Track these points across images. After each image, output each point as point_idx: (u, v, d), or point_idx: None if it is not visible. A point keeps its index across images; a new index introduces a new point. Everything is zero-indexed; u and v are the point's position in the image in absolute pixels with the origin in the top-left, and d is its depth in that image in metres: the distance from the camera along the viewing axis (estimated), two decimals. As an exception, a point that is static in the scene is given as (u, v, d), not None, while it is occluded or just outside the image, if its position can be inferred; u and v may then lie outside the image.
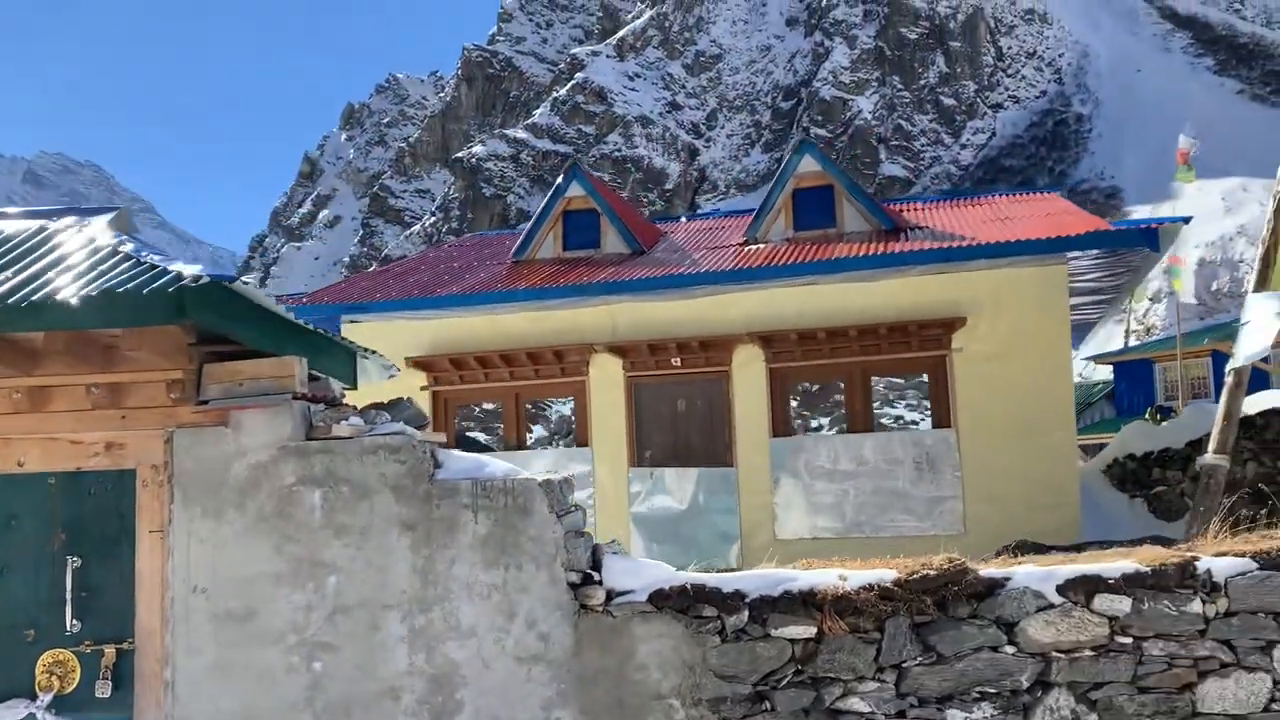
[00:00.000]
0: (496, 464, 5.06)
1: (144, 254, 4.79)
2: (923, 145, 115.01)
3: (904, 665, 4.79)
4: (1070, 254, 11.42)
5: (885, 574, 4.91)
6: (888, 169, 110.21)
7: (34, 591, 5.19)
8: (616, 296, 12.34)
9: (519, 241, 14.74)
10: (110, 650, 5.12)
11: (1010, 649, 4.77)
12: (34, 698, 5.08)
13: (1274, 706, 4.66)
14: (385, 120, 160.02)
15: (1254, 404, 11.47)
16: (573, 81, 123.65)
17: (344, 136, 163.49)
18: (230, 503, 5.05)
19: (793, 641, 4.84)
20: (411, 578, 4.94)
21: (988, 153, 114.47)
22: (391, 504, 4.96)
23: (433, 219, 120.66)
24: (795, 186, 13.63)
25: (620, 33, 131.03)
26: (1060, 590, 4.79)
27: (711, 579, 4.98)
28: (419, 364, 12.97)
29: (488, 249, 16.52)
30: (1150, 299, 54.67)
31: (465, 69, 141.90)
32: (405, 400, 5.46)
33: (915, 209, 14.87)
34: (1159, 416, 21.25)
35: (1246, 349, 8.29)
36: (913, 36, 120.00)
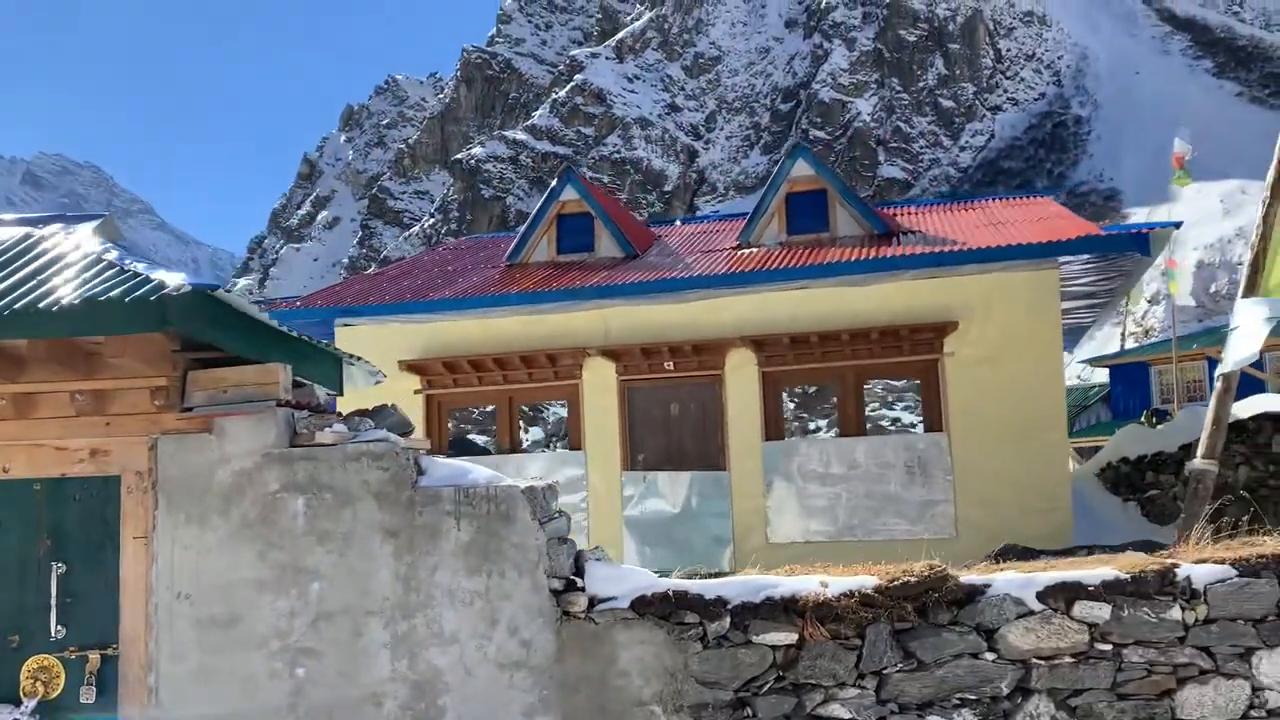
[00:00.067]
0: (479, 471, 5.08)
1: (128, 261, 4.81)
2: (921, 147, 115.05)
3: (885, 672, 4.81)
4: (1063, 258, 11.44)
5: (866, 580, 4.92)
6: (886, 171, 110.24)
7: (19, 597, 5.21)
8: (609, 300, 12.37)
9: (513, 245, 14.76)
10: (95, 656, 5.14)
11: (990, 656, 4.80)
12: (19, 703, 5.10)
13: (1252, 713, 4.69)
14: (384, 122, 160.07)
15: (1246, 408, 11.49)
16: (572, 83, 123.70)
17: (343, 138, 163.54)
18: (214, 509, 5.07)
19: (774, 648, 4.86)
20: (394, 584, 4.96)
21: (986, 155, 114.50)
22: (374, 511, 4.98)
23: (432, 220, 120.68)
24: (788, 191, 13.66)
25: (619, 34, 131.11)
26: (1040, 597, 4.81)
27: (693, 585, 5.00)
28: (412, 367, 12.99)
29: (483, 252, 16.54)
30: (1149, 301, 54.72)
31: (464, 70, 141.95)
32: (389, 407, 5.47)
33: (909, 213, 14.89)
34: (1154, 420, 21.26)
35: (1235, 355, 8.30)
36: (911, 39, 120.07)
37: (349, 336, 13.18)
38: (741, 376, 12.22)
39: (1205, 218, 77.86)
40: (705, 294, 12.21)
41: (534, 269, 14.01)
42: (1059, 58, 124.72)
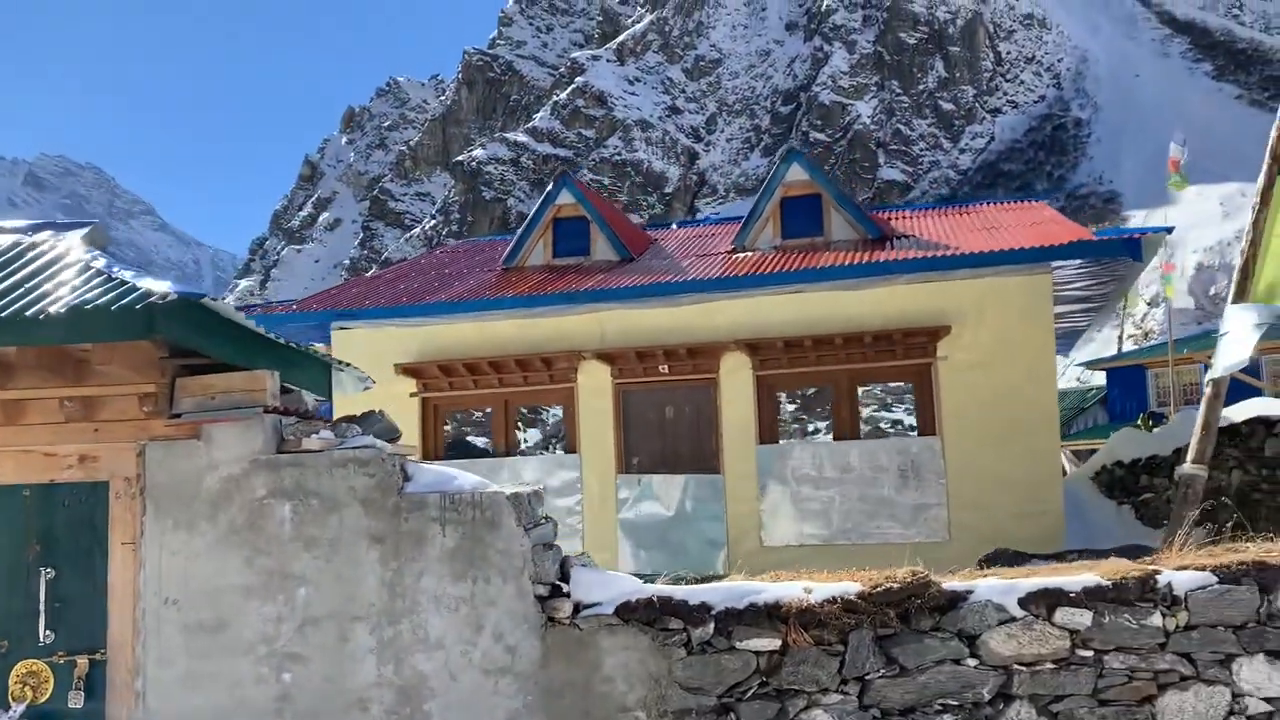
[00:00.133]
0: (465, 477, 5.11)
1: (116, 269, 4.84)
2: (921, 150, 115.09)
3: (867, 677, 4.84)
4: (1056, 263, 11.47)
5: (849, 587, 4.95)
6: (886, 173, 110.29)
7: (8, 602, 5.24)
8: (605, 304, 12.40)
9: (509, 248, 14.80)
10: (83, 661, 5.17)
11: (972, 661, 4.82)
12: (7, 708, 5.13)
13: (1232, 719, 4.71)
14: (386, 123, 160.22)
15: (1240, 412, 11.51)
16: (573, 85, 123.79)
17: (344, 139, 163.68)
18: (202, 515, 5.11)
19: (758, 654, 4.89)
20: (380, 590, 4.99)
21: (986, 157, 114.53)
22: (360, 517, 5.02)
23: (433, 222, 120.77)
24: (783, 195, 13.69)
25: (620, 37, 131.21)
26: (1022, 603, 4.84)
27: (678, 592, 5.03)
28: (408, 370, 13.02)
29: (479, 255, 16.58)
30: (1149, 303, 54.75)
31: (466, 73, 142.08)
32: (377, 413, 5.50)
33: (904, 217, 14.93)
34: (1151, 423, 21.28)
35: (1225, 360, 8.32)
36: (912, 41, 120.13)
37: (345, 340, 13.24)
38: (736, 380, 12.25)
39: (1205, 220, 77.88)
40: (700, 298, 12.25)
41: (530, 272, 14.05)
42: (1059, 60, 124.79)
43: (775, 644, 4.87)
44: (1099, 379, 35.33)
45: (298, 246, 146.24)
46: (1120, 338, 39.73)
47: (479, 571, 4.95)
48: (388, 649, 4.97)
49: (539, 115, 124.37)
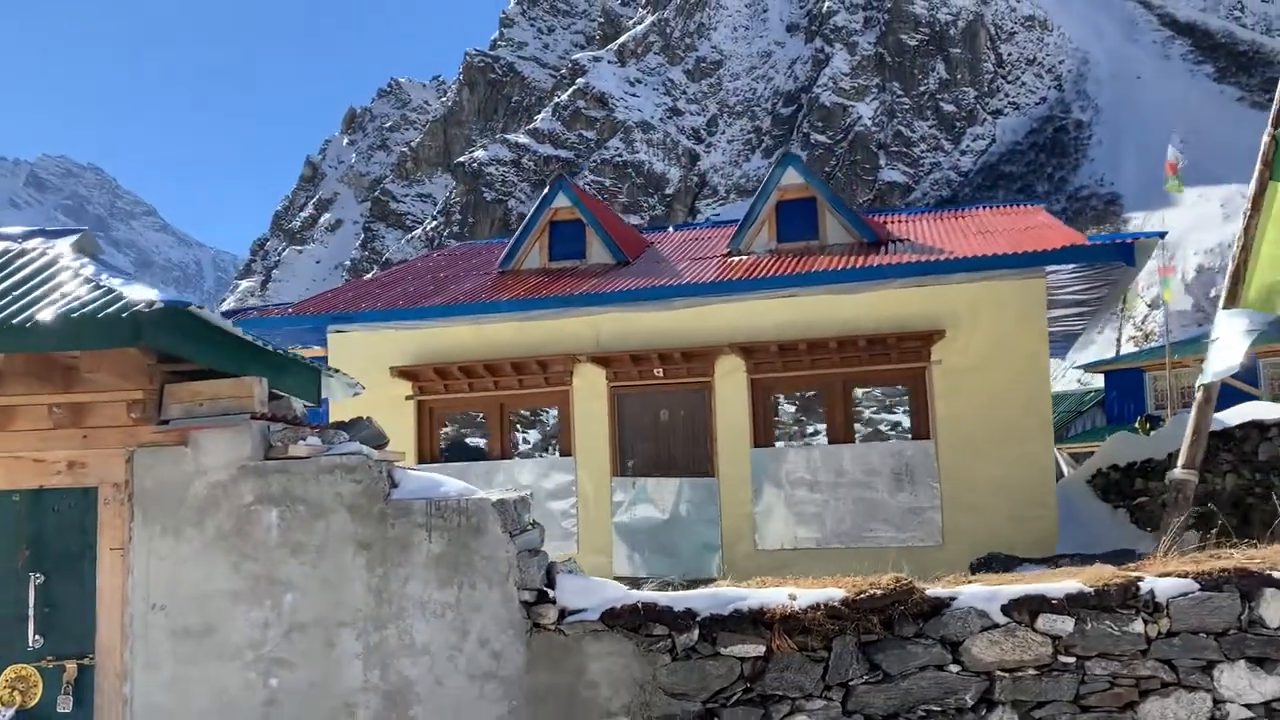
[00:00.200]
0: (452, 483, 5.14)
1: (104, 277, 4.87)
2: (922, 151, 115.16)
3: (850, 684, 4.86)
4: (1050, 267, 11.49)
5: (833, 593, 4.97)
6: (887, 175, 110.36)
7: (-3, 607, 5.27)
8: (600, 307, 12.43)
9: (505, 251, 14.83)
10: (72, 666, 5.20)
11: (955, 668, 4.84)
12: (-4, 712, 5.16)
13: (1213, 726, 4.73)
14: (387, 124, 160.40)
15: (1234, 416, 11.52)
16: (574, 87, 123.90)
17: (346, 140, 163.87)
18: (189, 521, 5.13)
19: (742, 660, 4.91)
20: (366, 596, 5.02)
21: (987, 159, 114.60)
22: (347, 523, 5.04)
23: (434, 223, 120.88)
24: (779, 199, 13.71)
25: (621, 38, 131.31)
26: (1005, 610, 4.86)
27: (662, 598, 5.05)
28: (405, 373, 13.05)
29: (476, 258, 16.61)
30: (1149, 305, 54.77)
31: (467, 74, 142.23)
32: (365, 419, 5.53)
33: (899, 221, 14.95)
34: (1149, 426, 21.28)
35: (1216, 366, 8.34)
36: (913, 43, 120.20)
37: (342, 343, 13.27)
38: (730, 383, 12.28)
39: (1206, 222, 77.83)
40: (695, 301, 12.28)
41: (526, 275, 14.08)
42: (1060, 62, 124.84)
43: (760, 650, 4.90)
44: (1099, 381, 35.35)
45: (299, 247, 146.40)
46: (1118, 340, 39.71)
47: (465, 577, 4.98)
48: (374, 654, 4.99)
49: (540, 116, 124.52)
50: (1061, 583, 4.93)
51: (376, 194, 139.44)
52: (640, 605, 4.99)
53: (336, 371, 6.13)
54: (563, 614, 5.01)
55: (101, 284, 4.74)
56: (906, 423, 11.99)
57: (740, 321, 12.20)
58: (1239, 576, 4.85)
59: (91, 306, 4.49)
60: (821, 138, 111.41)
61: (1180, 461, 8.57)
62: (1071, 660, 4.81)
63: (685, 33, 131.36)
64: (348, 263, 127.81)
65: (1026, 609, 4.84)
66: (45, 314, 4.52)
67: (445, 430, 13.56)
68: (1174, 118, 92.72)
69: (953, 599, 4.93)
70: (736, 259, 13.38)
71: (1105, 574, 5.00)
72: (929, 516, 11.53)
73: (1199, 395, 8.60)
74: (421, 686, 4.96)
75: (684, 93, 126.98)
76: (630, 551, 12.32)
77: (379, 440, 5.48)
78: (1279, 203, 8.27)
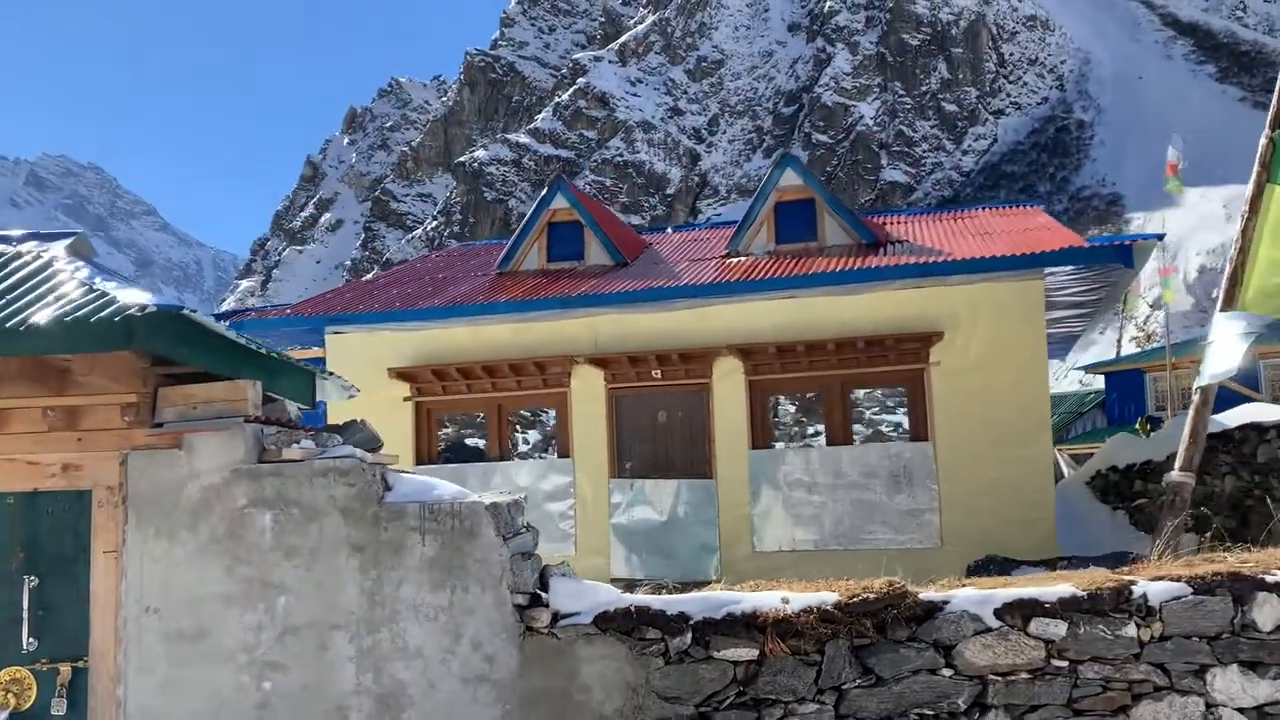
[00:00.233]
0: (445, 486, 5.14)
1: (98, 280, 4.88)
2: (924, 151, 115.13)
3: (843, 687, 4.86)
4: (1049, 269, 11.49)
5: (826, 597, 4.98)
6: (889, 175, 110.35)
7: (-9, 610, 5.28)
8: (598, 309, 12.43)
9: (504, 252, 14.83)
10: (66, 668, 5.20)
11: (948, 672, 4.85)
12: (-9, 714, 5.17)
13: (1206, 730, 4.73)
14: (388, 124, 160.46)
15: (1233, 418, 11.51)
16: (575, 86, 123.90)
17: (346, 140, 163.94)
18: (183, 524, 5.14)
19: (735, 663, 4.92)
20: (360, 599, 5.02)
21: (989, 159, 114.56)
22: (340, 526, 5.05)
23: (435, 223, 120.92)
24: (777, 200, 13.71)
25: (622, 38, 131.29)
26: (998, 614, 4.86)
27: (656, 601, 5.05)
28: (402, 375, 13.05)
29: (474, 259, 16.62)
30: (1151, 305, 54.73)
31: (468, 73, 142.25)
32: (359, 422, 5.54)
33: (898, 222, 14.95)
34: (1149, 427, 21.28)
35: (1212, 368, 8.33)
36: (914, 43, 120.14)
37: (340, 344, 13.27)
38: (729, 385, 12.27)
39: (1208, 223, 77.77)
40: (693, 303, 12.27)
41: (524, 277, 14.08)
42: (1062, 62, 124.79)
43: (753, 654, 4.90)
44: (1100, 382, 35.32)
45: (299, 247, 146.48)
46: (1118, 341, 39.67)
47: (458, 581, 4.98)
48: (367, 657, 5.00)
49: (541, 116, 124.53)
50: (1054, 587, 4.93)
51: (377, 194, 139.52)
52: (633, 609, 4.99)
53: (331, 374, 6.13)
54: (556, 617, 5.02)
55: (95, 287, 4.74)
56: (907, 423, 11.98)
57: (738, 323, 12.19)
58: (1231, 580, 4.85)
59: (85, 310, 4.50)
60: (823, 137, 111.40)
61: (1177, 464, 8.57)
62: (1064, 664, 4.81)
63: (686, 32, 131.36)
64: (348, 263, 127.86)
65: (1019, 613, 4.84)
66: (39, 317, 4.52)
67: (444, 431, 13.57)
68: (1176, 118, 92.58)
69: (946, 603, 4.93)
70: (735, 260, 13.37)
71: (1098, 578, 5.00)
72: (927, 518, 11.52)
73: (1195, 398, 8.60)
74: (414, 690, 4.96)
75: (685, 92, 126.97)
76: (628, 553, 12.31)
77: (373, 443, 5.48)
78: (1276, 205, 8.26)
